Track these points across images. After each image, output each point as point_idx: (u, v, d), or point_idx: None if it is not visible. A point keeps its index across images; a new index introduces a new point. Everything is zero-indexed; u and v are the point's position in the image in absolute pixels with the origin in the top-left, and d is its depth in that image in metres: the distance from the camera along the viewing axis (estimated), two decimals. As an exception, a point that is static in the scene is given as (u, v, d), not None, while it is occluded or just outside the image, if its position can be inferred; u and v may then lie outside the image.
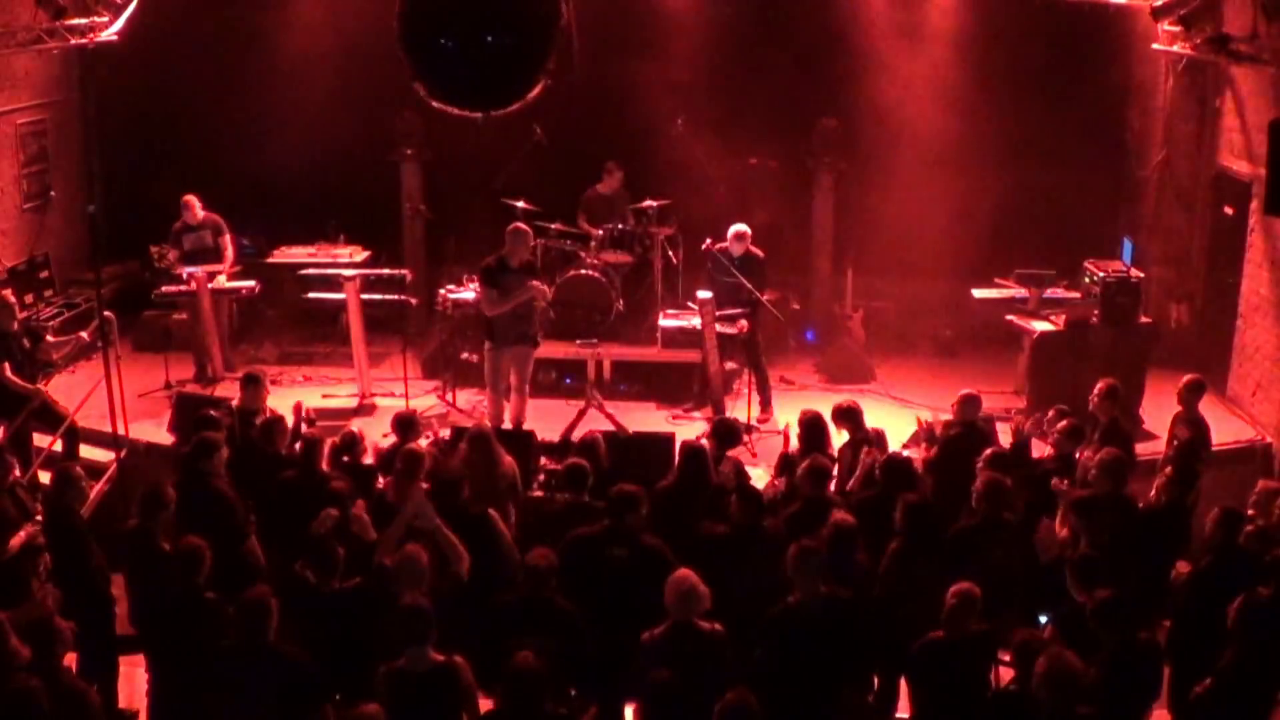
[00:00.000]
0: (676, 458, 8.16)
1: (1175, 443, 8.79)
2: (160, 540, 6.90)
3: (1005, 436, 8.91)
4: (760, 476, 8.96)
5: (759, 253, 10.85)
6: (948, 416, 8.91)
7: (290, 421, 8.72)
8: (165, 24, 12.03)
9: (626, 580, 6.58)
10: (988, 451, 7.91)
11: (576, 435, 8.70)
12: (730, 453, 8.14)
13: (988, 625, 6.15)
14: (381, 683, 5.69)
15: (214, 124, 12.84)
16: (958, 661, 6.00)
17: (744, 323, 10.66)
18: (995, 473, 7.31)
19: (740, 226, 10.80)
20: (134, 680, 7.29)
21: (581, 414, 8.76)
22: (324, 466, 7.97)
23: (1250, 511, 7.41)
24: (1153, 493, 8.00)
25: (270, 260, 12.55)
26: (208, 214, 11.81)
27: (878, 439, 8.36)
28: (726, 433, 8.18)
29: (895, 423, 9.66)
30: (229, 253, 11.86)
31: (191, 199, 11.73)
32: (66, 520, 7.27)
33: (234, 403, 8.96)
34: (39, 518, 7.52)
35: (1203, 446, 8.73)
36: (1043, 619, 6.71)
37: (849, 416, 8.45)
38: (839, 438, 8.53)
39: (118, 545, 7.18)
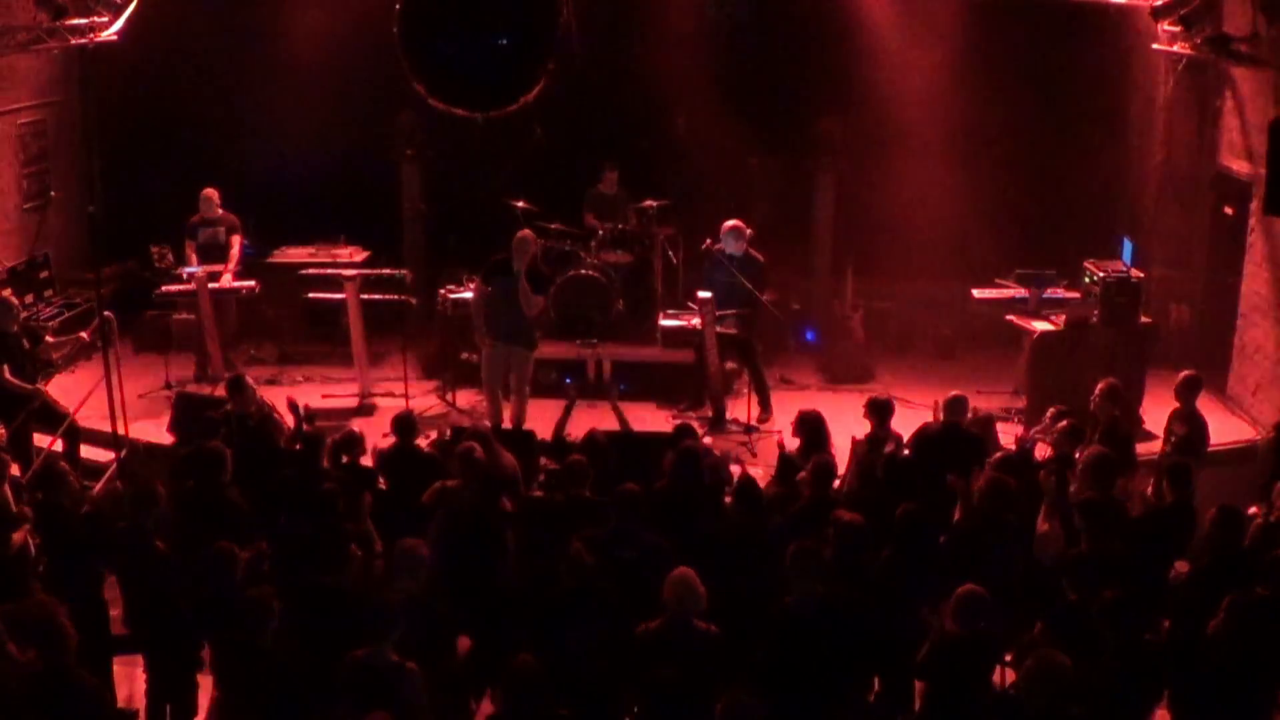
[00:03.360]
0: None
1: (1173, 439, 8.80)
2: (153, 539, 6.89)
3: (1004, 437, 8.90)
4: (760, 476, 8.94)
5: (759, 255, 10.83)
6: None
7: (290, 419, 8.72)
8: (165, 24, 12.05)
9: (634, 581, 6.57)
10: (995, 455, 7.89)
11: (567, 431, 8.67)
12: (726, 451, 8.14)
13: (995, 625, 6.14)
14: (342, 671, 5.71)
15: (213, 124, 12.84)
16: (965, 659, 5.99)
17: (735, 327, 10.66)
18: (1000, 474, 7.30)
19: (735, 222, 10.70)
20: (134, 680, 7.28)
21: (568, 410, 8.74)
22: (324, 465, 7.97)
23: (1253, 510, 7.42)
24: (1150, 491, 7.99)
25: (270, 260, 12.55)
26: (225, 212, 11.85)
27: (897, 443, 8.33)
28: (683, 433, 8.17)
29: (896, 423, 9.64)
30: (234, 252, 11.89)
31: (211, 193, 11.77)
32: (57, 518, 7.25)
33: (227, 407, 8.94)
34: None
35: (1200, 443, 8.74)
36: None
37: (878, 411, 8.34)
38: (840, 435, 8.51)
39: (111, 546, 7.17)
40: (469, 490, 7.27)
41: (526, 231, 10.23)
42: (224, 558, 6.36)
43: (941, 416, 8.55)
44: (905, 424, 8.94)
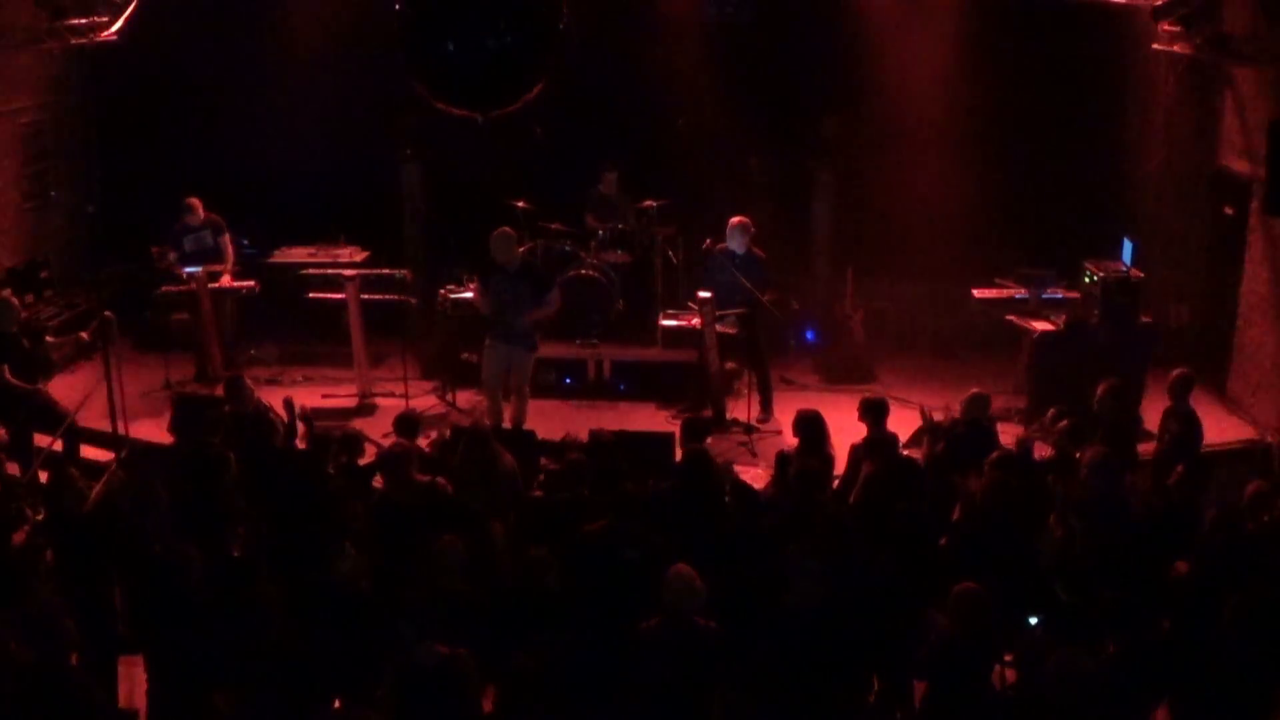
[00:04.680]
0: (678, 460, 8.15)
1: (1167, 437, 8.81)
2: (152, 540, 6.89)
3: (1004, 437, 8.89)
4: (760, 476, 8.96)
5: (760, 252, 10.83)
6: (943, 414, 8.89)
7: (285, 417, 8.71)
8: (165, 24, 12.04)
9: (637, 580, 6.57)
10: (994, 454, 7.90)
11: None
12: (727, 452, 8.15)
13: (995, 625, 6.14)
14: (396, 675, 5.70)
15: (214, 124, 12.83)
16: (965, 659, 5.99)
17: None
18: (1001, 473, 7.30)
19: (741, 218, 10.68)
20: (134, 680, 7.28)
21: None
22: (330, 465, 7.97)
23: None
24: (1151, 488, 7.98)
25: (270, 260, 12.56)
26: (208, 215, 11.84)
27: (892, 442, 8.32)
28: (696, 430, 8.17)
29: (896, 423, 9.64)
30: (230, 252, 11.88)
31: (195, 201, 11.76)
32: (66, 521, 7.26)
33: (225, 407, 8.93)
34: (38, 518, 7.51)
35: (1195, 441, 8.74)
36: (1031, 620, 6.70)
37: (872, 411, 8.29)
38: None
39: (113, 546, 7.17)
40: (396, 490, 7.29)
41: (505, 228, 10.24)
42: (178, 560, 6.36)
43: (935, 418, 8.57)
44: (905, 424, 8.94)
